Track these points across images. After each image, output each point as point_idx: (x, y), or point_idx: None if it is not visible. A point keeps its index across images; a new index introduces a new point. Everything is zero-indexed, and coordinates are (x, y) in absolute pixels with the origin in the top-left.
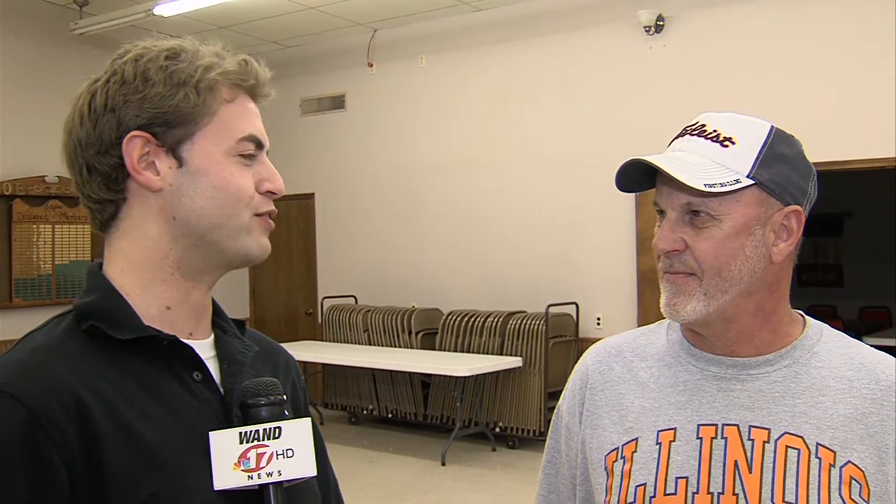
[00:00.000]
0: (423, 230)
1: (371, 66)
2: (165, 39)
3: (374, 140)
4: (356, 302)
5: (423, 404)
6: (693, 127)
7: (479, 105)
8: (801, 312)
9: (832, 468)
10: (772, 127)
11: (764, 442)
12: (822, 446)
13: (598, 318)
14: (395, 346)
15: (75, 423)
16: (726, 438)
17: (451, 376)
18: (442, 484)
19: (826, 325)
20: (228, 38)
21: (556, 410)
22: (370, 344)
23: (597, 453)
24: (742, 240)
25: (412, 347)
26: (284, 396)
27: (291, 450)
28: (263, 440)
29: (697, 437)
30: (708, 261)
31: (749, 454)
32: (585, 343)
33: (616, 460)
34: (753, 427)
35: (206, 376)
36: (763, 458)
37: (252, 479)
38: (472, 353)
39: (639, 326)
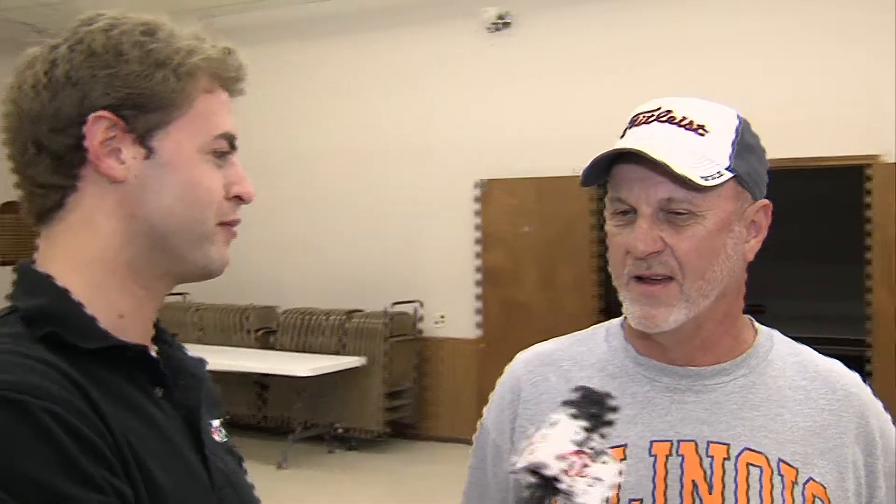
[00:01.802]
0: (259, 224)
1: None
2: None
3: None
4: (189, 299)
5: (260, 406)
6: (659, 113)
7: (319, 97)
8: (749, 316)
9: (795, 486)
10: (738, 114)
11: (723, 459)
12: (784, 462)
13: (439, 317)
14: (230, 346)
15: (95, 418)
16: (683, 456)
17: (289, 377)
18: (281, 489)
19: (773, 329)
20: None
21: (479, 426)
22: (203, 344)
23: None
24: (724, 237)
25: (248, 347)
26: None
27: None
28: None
29: (650, 455)
30: (691, 262)
31: (708, 473)
32: (426, 342)
33: None
34: (711, 443)
35: (166, 391)
36: (724, 477)
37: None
38: (311, 352)
39: (480, 324)
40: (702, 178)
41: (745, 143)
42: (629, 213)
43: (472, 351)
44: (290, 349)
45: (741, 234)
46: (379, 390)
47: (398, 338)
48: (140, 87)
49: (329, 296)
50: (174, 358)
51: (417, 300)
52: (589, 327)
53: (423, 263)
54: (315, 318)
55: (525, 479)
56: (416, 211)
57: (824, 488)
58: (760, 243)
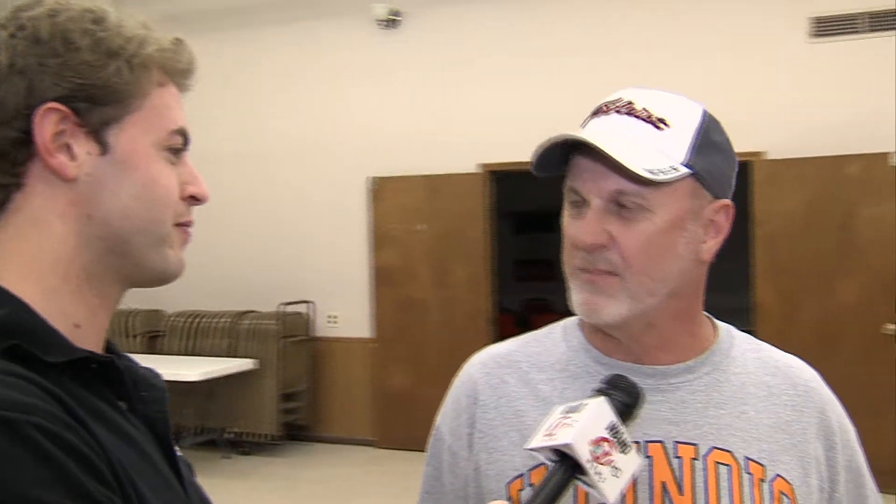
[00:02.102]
0: None
1: None
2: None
3: None
4: None
5: None
6: (619, 104)
7: (205, 93)
8: (707, 314)
9: (763, 483)
10: (704, 110)
11: (692, 459)
12: (752, 460)
13: (333, 317)
14: None
15: (85, 432)
16: (651, 457)
17: (179, 381)
18: None
19: (730, 325)
20: None
21: (433, 432)
22: None
23: (496, 481)
24: (674, 235)
25: (134, 352)
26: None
27: None
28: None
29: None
30: (636, 258)
31: (678, 473)
32: (320, 342)
33: (522, 489)
34: (679, 443)
35: (130, 404)
36: (693, 478)
37: None
38: (201, 356)
39: (374, 324)
40: (649, 171)
41: (709, 141)
42: (582, 205)
43: (366, 350)
44: (178, 353)
45: (696, 234)
46: (272, 392)
47: (291, 339)
48: (93, 79)
49: (219, 297)
50: (130, 369)
51: (310, 300)
52: (484, 325)
53: (315, 263)
54: (204, 320)
55: (544, 458)
56: (308, 209)
57: (790, 484)
58: (719, 244)
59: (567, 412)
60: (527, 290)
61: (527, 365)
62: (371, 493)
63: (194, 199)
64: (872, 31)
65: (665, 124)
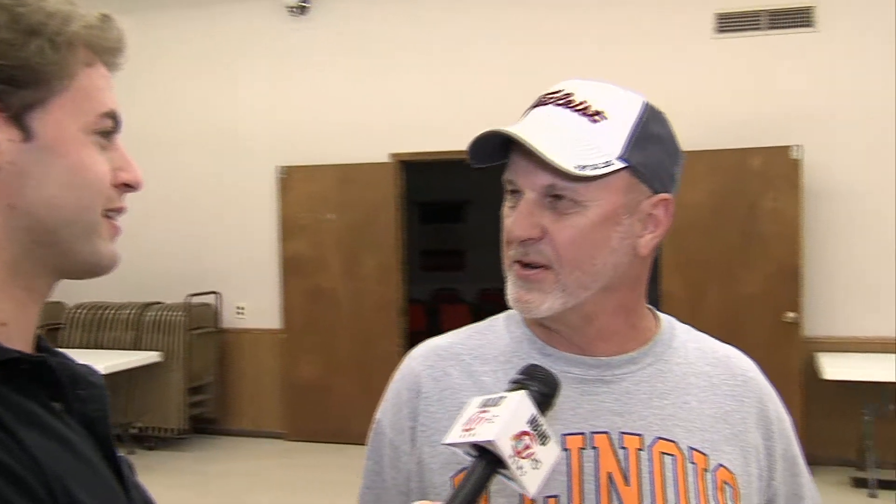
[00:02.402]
0: None
1: None
2: None
3: None
4: None
5: None
6: (557, 95)
7: (114, 78)
8: (649, 306)
9: (706, 473)
10: (644, 102)
11: (637, 449)
12: (695, 450)
13: (241, 308)
14: None
15: (16, 446)
16: (597, 448)
17: None
18: None
19: (672, 316)
20: None
21: (373, 426)
22: None
23: (440, 475)
24: (608, 230)
25: None
26: None
27: None
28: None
29: (563, 449)
30: (568, 252)
31: (623, 464)
32: (227, 334)
33: None
34: (624, 434)
35: (66, 404)
36: (639, 468)
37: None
38: (104, 349)
39: (283, 314)
40: (579, 167)
41: (648, 133)
42: (518, 195)
43: (274, 342)
44: (80, 346)
45: (632, 228)
46: (179, 386)
47: (198, 330)
48: (12, 59)
49: (123, 288)
50: (65, 367)
51: (218, 291)
52: (395, 316)
53: (223, 253)
54: (108, 312)
55: (462, 452)
56: (216, 198)
57: (732, 474)
58: (658, 238)
59: (484, 405)
60: (434, 280)
61: (469, 357)
62: (281, 485)
63: (127, 187)
64: (772, 28)
65: (602, 117)
